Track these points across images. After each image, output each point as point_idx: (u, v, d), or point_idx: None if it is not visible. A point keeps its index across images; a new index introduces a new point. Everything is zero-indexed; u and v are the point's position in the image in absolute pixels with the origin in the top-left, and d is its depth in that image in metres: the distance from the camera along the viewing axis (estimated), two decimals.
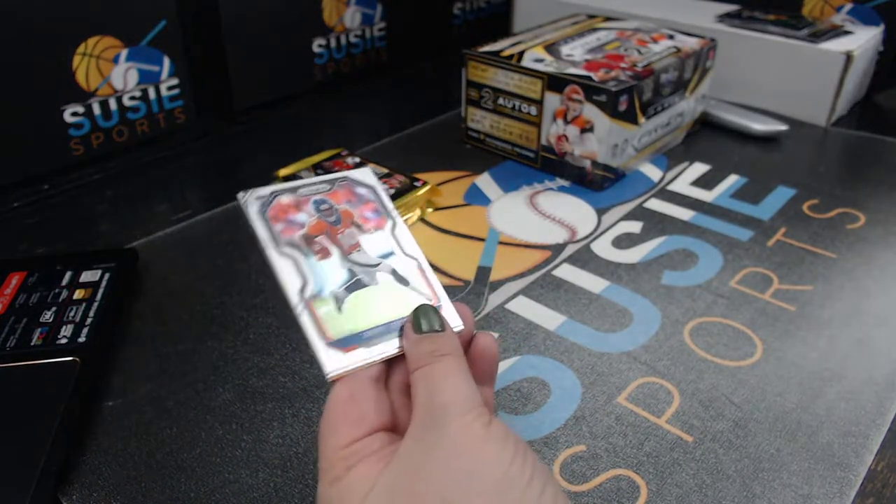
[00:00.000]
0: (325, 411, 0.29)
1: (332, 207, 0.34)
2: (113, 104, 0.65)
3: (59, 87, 0.61)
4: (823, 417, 0.39)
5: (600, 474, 0.36)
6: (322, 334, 0.30)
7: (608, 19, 0.75)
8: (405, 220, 0.57)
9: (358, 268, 0.32)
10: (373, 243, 0.34)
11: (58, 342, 0.41)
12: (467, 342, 0.32)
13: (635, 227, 0.57)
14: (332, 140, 0.66)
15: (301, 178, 0.59)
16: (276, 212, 0.33)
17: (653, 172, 0.66)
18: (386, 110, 0.82)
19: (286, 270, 0.31)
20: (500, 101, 0.65)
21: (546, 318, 0.47)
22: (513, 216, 0.59)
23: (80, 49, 0.61)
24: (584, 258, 0.53)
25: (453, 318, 0.32)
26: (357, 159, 0.62)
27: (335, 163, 0.62)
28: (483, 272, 0.51)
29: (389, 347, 0.30)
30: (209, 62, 0.73)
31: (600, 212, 0.59)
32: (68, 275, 0.47)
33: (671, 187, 0.63)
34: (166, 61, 0.68)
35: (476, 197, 0.62)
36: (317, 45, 0.81)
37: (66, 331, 0.42)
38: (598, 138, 0.60)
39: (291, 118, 0.77)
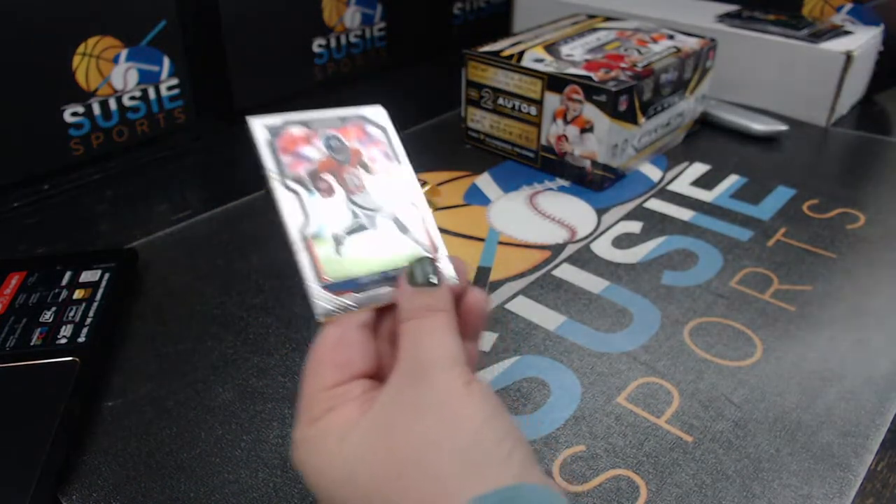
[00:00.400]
0: (311, 352, 0.29)
1: (343, 145, 0.33)
2: (113, 104, 0.65)
3: (59, 87, 0.61)
4: (823, 417, 0.39)
5: (600, 474, 0.36)
6: (318, 275, 0.29)
7: (608, 19, 0.75)
8: None
9: (360, 210, 0.32)
10: (378, 187, 0.33)
11: (57, 342, 0.41)
12: (459, 296, 0.32)
13: (635, 227, 0.57)
14: None
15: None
16: (285, 143, 0.32)
17: (653, 172, 0.66)
18: (386, 110, 0.82)
19: (289, 205, 0.30)
20: (500, 101, 0.65)
21: (546, 318, 0.47)
22: (513, 216, 0.59)
23: (80, 49, 0.61)
24: (584, 258, 0.53)
25: (448, 270, 0.31)
26: None
27: None
28: (483, 272, 0.51)
29: (383, 295, 0.30)
30: (209, 62, 0.73)
31: (600, 212, 0.59)
32: (68, 275, 0.47)
33: (671, 187, 0.63)
34: (166, 61, 0.68)
35: (476, 197, 0.62)
36: (317, 45, 0.81)
37: (66, 331, 0.42)
38: (598, 138, 0.60)
39: None
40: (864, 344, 0.44)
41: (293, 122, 0.32)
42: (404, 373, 0.27)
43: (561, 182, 0.64)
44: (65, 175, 0.64)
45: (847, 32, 0.75)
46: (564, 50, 0.65)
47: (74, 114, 0.63)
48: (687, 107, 0.69)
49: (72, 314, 0.43)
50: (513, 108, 0.65)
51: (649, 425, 0.38)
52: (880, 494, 0.35)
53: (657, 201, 0.61)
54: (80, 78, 0.62)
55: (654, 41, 0.68)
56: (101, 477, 0.36)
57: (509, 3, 0.94)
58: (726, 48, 0.74)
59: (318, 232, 0.30)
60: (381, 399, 0.27)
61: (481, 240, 0.55)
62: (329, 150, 0.32)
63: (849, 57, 0.71)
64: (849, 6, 0.80)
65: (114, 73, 0.64)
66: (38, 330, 0.42)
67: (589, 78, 0.59)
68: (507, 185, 0.63)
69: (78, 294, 0.45)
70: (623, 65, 0.62)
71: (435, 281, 0.30)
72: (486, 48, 0.66)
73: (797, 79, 0.75)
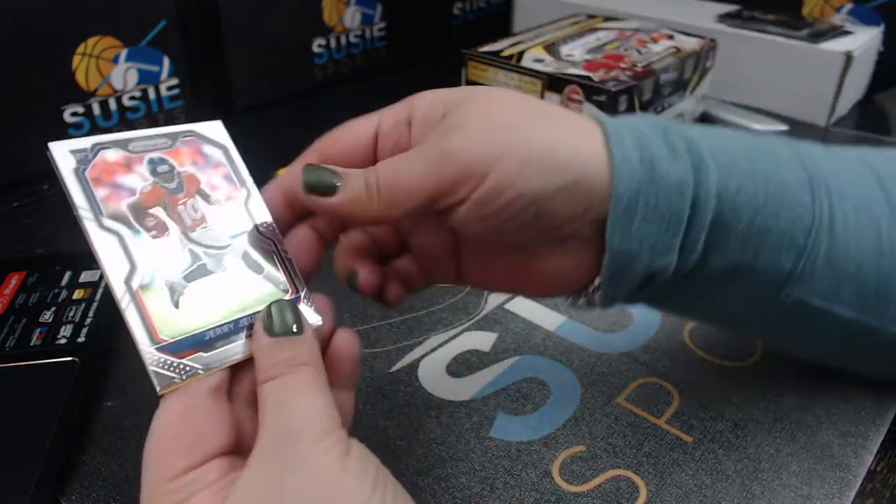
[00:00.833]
0: (150, 432, 0.25)
1: (173, 170, 0.27)
2: (113, 104, 0.65)
3: (59, 87, 0.61)
4: (823, 417, 0.39)
5: (600, 474, 0.36)
6: (152, 336, 0.24)
7: (608, 19, 0.75)
8: None
9: (202, 249, 0.27)
10: (222, 219, 0.28)
11: (57, 342, 0.41)
12: (327, 340, 0.28)
13: None
14: None
15: None
16: (98, 172, 0.26)
17: None
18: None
19: (109, 251, 0.25)
20: None
21: (546, 318, 0.47)
22: None
23: (80, 49, 0.61)
24: None
25: (310, 314, 0.27)
26: None
27: None
28: None
29: (234, 351, 0.26)
30: (209, 62, 0.73)
31: None
32: (68, 275, 0.47)
33: None
34: (166, 61, 0.68)
35: None
36: (317, 45, 0.81)
37: (66, 331, 0.42)
38: None
39: (291, 118, 0.77)
40: None
41: (107, 145, 0.27)
42: (268, 446, 0.24)
43: None
44: None
45: (847, 32, 0.75)
46: (564, 50, 0.65)
47: (74, 114, 0.63)
48: (687, 107, 0.69)
49: (71, 314, 0.43)
50: None
51: (649, 425, 0.38)
52: (880, 494, 0.35)
53: None
54: (80, 78, 0.62)
55: (654, 41, 0.68)
56: (101, 477, 0.36)
57: (509, 3, 0.94)
58: (726, 48, 0.74)
59: (149, 281, 0.25)
60: (241, 482, 0.23)
61: None
62: (156, 178, 0.27)
63: (849, 57, 0.71)
64: (849, 6, 0.80)
65: (114, 73, 0.64)
66: (38, 330, 0.42)
67: (589, 78, 0.59)
68: None
69: (78, 294, 0.45)
70: (623, 65, 0.62)
71: (296, 329, 0.26)
72: (486, 48, 0.66)
73: (797, 79, 0.74)
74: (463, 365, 0.43)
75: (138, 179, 0.27)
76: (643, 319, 0.46)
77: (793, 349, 0.38)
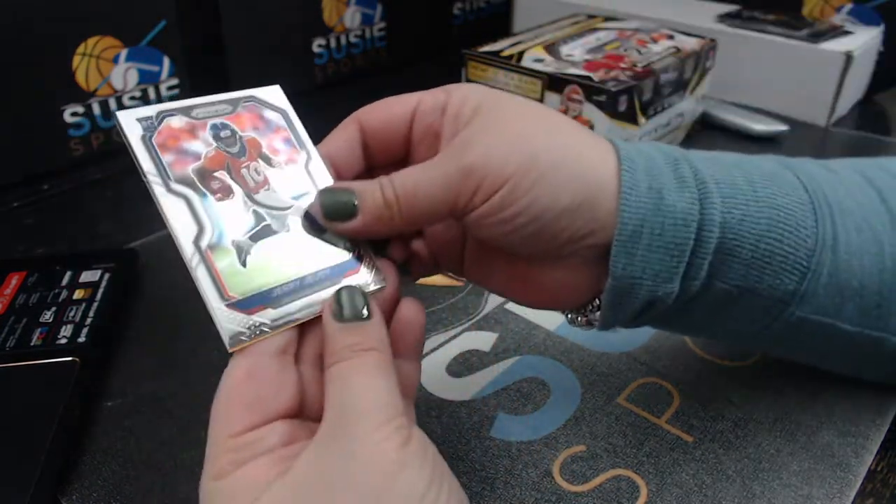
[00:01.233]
0: (217, 390, 0.25)
1: (235, 135, 0.28)
2: (113, 104, 0.65)
3: (59, 87, 0.61)
4: (823, 417, 0.39)
5: (600, 474, 0.36)
6: (222, 293, 0.25)
7: (608, 19, 0.75)
8: None
9: (265, 210, 0.27)
10: (284, 181, 0.28)
11: (58, 342, 0.41)
12: (391, 306, 0.29)
13: None
14: None
15: None
16: (164, 138, 0.27)
17: None
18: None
19: (178, 213, 0.25)
20: None
21: (546, 318, 0.47)
22: None
23: (80, 49, 0.61)
24: None
25: (374, 277, 0.28)
26: None
27: None
28: None
29: (302, 309, 0.26)
30: (209, 62, 0.73)
31: None
32: (68, 275, 0.47)
33: None
34: (166, 61, 0.68)
35: None
36: (317, 45, 0.81)
37: (66, 331, 0.42)
38: None
39: None
40: None
41: (172, 112, 0.27)
42: (329, 430, 0.24)
43: None
44: (65, 175, 0.64)
45: (847, 32, 0.75)
46: (564, 50, 0.65)
47: (74, 114, 0.63)
48: (687, 107, 0.69)
49: (72, 314, 0.43)
50: None
51: (649, 425, 0.38)
52: (880, 494, 0.35)
53: None
54: (80, 78, 0.62)
55: (654, 41, 0.68)
56: (101, 477, 0.36)
57: (509, 3, 0.94)
58: (726, 48, 0.74)
59: (217, 241, 0.26)
60: (301, 462, 0.23)
61: None
62: (219, 143, 0.28)
63: (849, 57, 0.71)
64: (849, 6, 0.80)
65: (114, 73, 0.64)
66: (38, 330, 0.42)
67: (589, 78, 0.59)
68: None
69: (78, 294, 0.45)
70: (623, 65, 0.62)
71: (365, 314, 0.26)
72: (486, 48, 0.66)
73: (797, 79, 0.75)
74: (463, 365, 0.43)
75: (202, 144, 0.27)
76: None
77: (796, 358, 0.39)
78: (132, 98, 0.66)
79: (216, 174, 0.27)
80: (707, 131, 0.74)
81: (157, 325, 0.46)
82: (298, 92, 0.84)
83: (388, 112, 0.31)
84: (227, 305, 0.25)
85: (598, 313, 0.31)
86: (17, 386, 0.39)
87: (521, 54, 0.64)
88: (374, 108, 0.31)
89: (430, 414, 0.39)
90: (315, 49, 0.81)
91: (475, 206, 0.28)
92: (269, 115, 0.30)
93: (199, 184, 0.26)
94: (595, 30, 0.71)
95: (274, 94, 0.30)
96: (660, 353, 0.43)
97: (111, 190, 0.63)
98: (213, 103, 0.28)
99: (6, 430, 0.36)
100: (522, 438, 0.38)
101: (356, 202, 0.28)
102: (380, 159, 0.32)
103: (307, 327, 0.27)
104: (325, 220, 0.28)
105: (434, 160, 0.28)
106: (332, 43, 0.82)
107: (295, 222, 0.28)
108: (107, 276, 0.47)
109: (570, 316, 0.33)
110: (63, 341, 0.41)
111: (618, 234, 0.28)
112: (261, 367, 0.25)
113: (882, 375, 0.38)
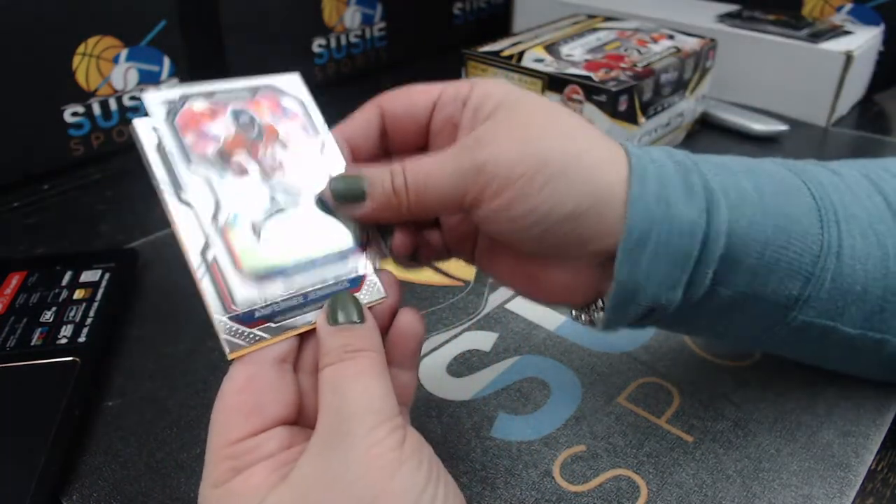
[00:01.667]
0: (217, 398, 0.25)
1: (254, 120, 0.29)
2: (113, 104, 0.65)
3: (59, 87, 0.61)
4: (823, 417, 0.39)
5: (600, 474, 0.36)
6: (225, 306, 0.26)
7: (608, 19, 0.75)
8: None
9: (280, 192, 0.28)
10: (299, 166, 0.29)
11: (58, 342, 0.41)
12: (390, 316, 0.29)
13: None
14: None
15: None
16: (186, 120, 0.27)
17: None
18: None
19: (186, 223, 0.26)
20: None
21: (546, 318, 0.47)
22: None
23: (80, 49, 0.61)
24: None
25: (375, 289, 0.28)
26: None
27: None
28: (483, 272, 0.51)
29: (301, 321, 0.27)
30: (209, 62, 0.73)
31: None
32: (68, 275, 0.47)
33: None
34: (166, 61, 0.68)
35: None
36: (317, 45, 0.81)
37: (66, 331, 0.42)
38: None
39: None
40: None
41: (194, 95, 0.28)
42: (324, 433, 0.24)
43: None
44: (65, 175, 0.64)
45: (847, 32, 0.75)
46: (564, 50, 0.65)
47: (74, 114, 0.63)
48: (687, 107, 0.69)
49: (72, 314, 0.43)
50: None
51: (649, 425, 0.38)
52: (880, 494, 0.35)
53: None
54: (80, 78, 0.62)
55: (654, 41, 0.68)
56: (101, 477, 0.36)
57: (509, 3, 0.94)
58: (726, 48, 0.74)
59: (233, 219, 0.27)
60: (299, 467, 0.24)
61: None
62: (238, 127, 0.28)
63: (849, 57, 0.71)
64: (849, 6, 0.80)
65: (114, 73, 0.64)
66: (39, 330, 0.42)
67: (589, 78, 0.59)
68: None
69: (78, 294, 0.45)
70: (623, 65, 0.62)
71: (357, 319, 0.27)
72: (486, 48, 0.66)
73: (797, 79, 0.75)
74: (463, 365, 0.43)
75: (222, 127, 0.28)
76: None
77: (798, 359, 0.39)
78: (132, 98, 0.66)
79: (234, 157, 0.28)
80: (707, 131, 0.73)
81: (157, 325, 0.46)
82: None
83: (410, 100, 0.31)
84: (230, 318, 0.26)
85: (601, 314, 0.31)
86: (17, 386, 0.39)
87: (521, 54, 0.64)
88: (396, 95, 0.32)
89: (430, 414, 0.39)
90: (315, 49, 0.81)
91: (483, 203, 0.28)
92: (287, 102, 0.30)
93: (219, 163, 0.27)
94: (595, 30, 0.71)
95: (292, 81, 0.31)
96: (660, 353, 0.43)
97: (111, 190, 0.63)
98: (232, 90, 0.29)
99: (6, 430, 0.36)
100: (522, 438, 0.38)
101: (366, 188, 0.28)
102: (398, 145, 0.32)
103: (306, 339, 0.28)
104: (335, 202, 0.29)
105: (447, 152, 0.29)
106: (332, 43, 0.82)
107: (308, 206, 0.29)
108: (107, 275, 0.47)
109: (574, 313, 0.34)
110: (63, 341, 0.41)
111: (623, 241, 0.28)
112: (260, 375, 0.25)
113: (883, 375, 0.38)
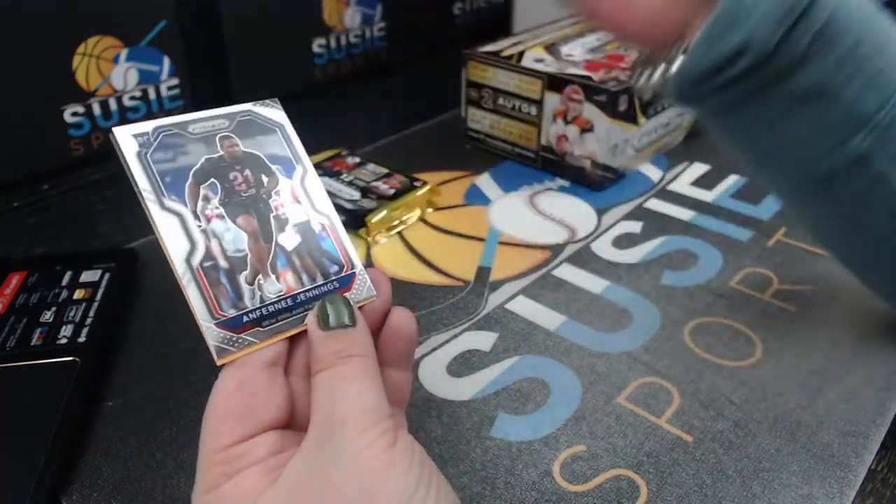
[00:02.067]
0: (208, 403, 0.25)
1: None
2: (113, 104, 0.65)
3: (59, 87, 0.61)
4: (823, 417, 0.39)
5: (600, 474, 0.36)
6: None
7: None
8: (405, 221, 0.57)
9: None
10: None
11: (58, 342, 0.41)
12: (382, 316, 0.29)
13: (635, 227, 0.57)
14: (332, 140, 0.66)
15: None
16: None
17: (653, 172, 0.66)
18: (386, 110, 0.82)
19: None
20: (500, 101, 0.65)
21: (546, 318, 0.47)
22: (513, 216, 0.59)
23: (80, 49, 0.61)
24: (584, 258, 0.53)
25: (365, 288, 0.28)
26: (357, 159, 0.62)
27: (335, 163, 0.62)
28: (483, 272, 0.51)
29: (290, 325, 0.26)
30: (209, 62, 0.73)
31: (600, 212, 0.59)
32: (68, 275, 0.47)
33: (671, 187, 0.63)
34: (166, 61, 0.68)
35: (476, 197, 0.62)
36: (317, 45, 0.81)
37: (66, 331, 0.42)
38: (598, 138, 0.60)
39: (291, 118, 0.77)
40: (864, 344, 0.44)
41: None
42: (316, 436, 0.24)
43: (561, 182, 0.64)
44: (65, 175, 0.64)
45: None
46: (564, 50, 0.65)
47: (74, 114, 0.63)
48: None
49: (72, 314, 0.43)
50: (513, 108, 0.65)
51: (649, 425, 0.38)
52: (880, 494, 0.35)
53: (657, 201, 0.61)
54: (80, 78, 0.62)
55: None
56: (101, 477, 0.36)
57: (509, 3, 0.94)
58: None
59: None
60: (290, 469, 0.24)
61: (481, 240, 0.55)
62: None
63: None
64: None
65: (114, 73, 0.64)
66: (39, 330, 0.42)
67: (589, 78, 0.59)
68: (508, 185, 0.63)
69: (78, 294, 0.45)
70: (623, 65, 0.62)
71: (349, 322, 0.26)
72: (486, 48, 0.66)
73: None
74: (463, 365, 0.43)
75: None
76: (643, 319, 0.46)
77: (828, 229, 0.38)
78: (132, 98, 0.66)
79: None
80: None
81: (157, 325, 0.46)
82: (298, 92, 0.84)
83: None
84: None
85: (681, 58, 0.31)
86: (17, 386, 0.39)
87: (521, 54, 0.64)
88: None
89: (430, 414, 0.39)
90: (315, 49, 0.81)
91: None
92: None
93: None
94: (595, 30, 0.71)
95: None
96: (660, 353, 0.43)
97: (111, 190, 0.63)
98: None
99: (6, 430, 0.36)
100: (522, 438, 0.38)
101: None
102: None
103: (296, 340, 0.27)
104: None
105: None
106: (332, 43, 0.82)
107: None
108: (107, 276, 0.47)
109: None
110: (63, 341, 0.41)
111: None
112: (250, 379, 0.25)
113: None
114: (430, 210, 0.59)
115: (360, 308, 0.28)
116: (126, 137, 0.27)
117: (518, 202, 0.61)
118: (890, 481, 0.36)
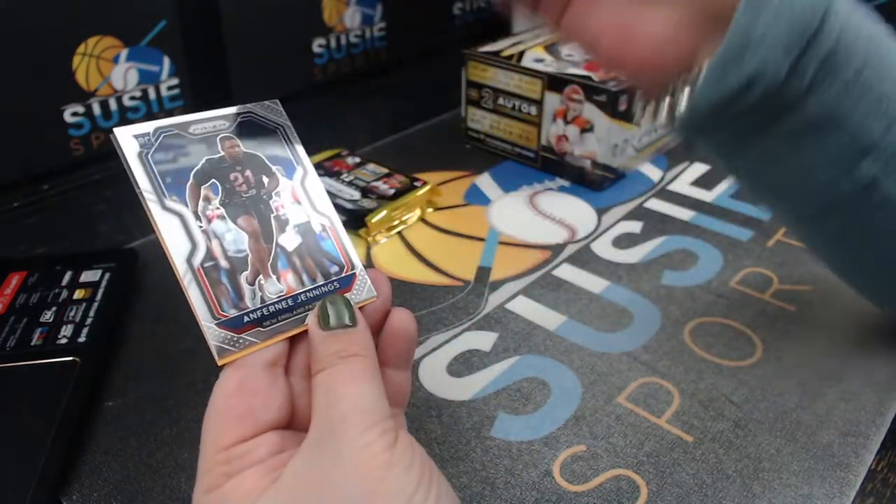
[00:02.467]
0: (208, 404, 0.25)
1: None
2: (113, 104, 0.65)
3: (59, 87, 0.61)
4: (823, 417, 0.39)
5: (600, 474, 0.36)
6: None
7: None
8: (405, 221, 0.57)
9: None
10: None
11: (58, 342, 0.41)
12: (383, 317, 0.29)
13: (635, 227, 0.57)
14: (332, 140, 0.66)
15: None
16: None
17: (653, 172, 0.66)
18: (386, 110, 0.82)
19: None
20: (500, 101, 0.65)
21: (546, 318, 0.47)
22: (513, 216, 0.59)
23: (80, 49, 0.61)
24: (584, 258, 0.53)
25: (365, 288, 0.28)
26: (357, 159, 0.62)
27: (335, 163, 0.62)
28: (483, 272, 0.51)
29: (290, 325, 0.26)
30: (209, 62, 0.73)
31: (600, 212, 0.59)
32: (68, 275, 0.47)
33: (671, 187, 0.63)
34: (166, 61, 0.68)
35: (476, 197, 0.62)
36: (317, 45, 0.81)
37: (66, 331, 0.42)
38: (598, 138, 0.60)
39: (291, 118, 0.77)
40: (864, 344, 0.44)
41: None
42: (316, 436, 0.24)
43: (561, 182, 0.64)
44: (65, 175, 0.64)
45: None
46: (564, 50, 0.65)
47: (74, 114, 0.63)
48: None
49: (72, 314, 0.43)
50: (513, 108, 0.65)
51: (650, 425, 0.38)
52: (880, 494, 0.35)
53: (657, 201, 0.61)
54: (80, 78, 0.62)
55: None
56: (101, 477, 0.36)
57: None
58: None
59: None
60: (290, 469, 0.24)
61: (481, 240, 0.55)
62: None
63: None
64: None
65: (114, 73, 0.64)
66: (39, 330, 0.42)
67: (589, 78, 0.59)
68: (508, 185, 0.63)
69: (78, 294, 0.45)
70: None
71: (349, 322, 0.26)
72: (486, 48, 0.66)
73: None
74: (464, 365, 0.43)
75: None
76: (643, 319, 0.46)
77: (831, 251, 0.37)
78: (132, 98, 0.66)
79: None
80: None
81: (157, 325, 0.46)
82: (298, 92, 0.84)
83: None
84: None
85: (688, 91, 0.30)
86: (17, 386, 0.39)
87: (521, 54, 0.64)
88: None
89: (430, 414, 0.39)
90: (315, 49, 0.81)
91: None
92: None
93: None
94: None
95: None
96: (660, 353, 0.43)
97: (111, 190, 0.63)
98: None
99: (6, 430, 0.36)
100: (522, 438, 0.38)
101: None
102: None
103: (297, 340, 0.27)
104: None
105: None
106: (332, 43, 0.82)
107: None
108: (107, 275, 0.47)
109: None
110: (63, 341, 0.41)
111: None
112: (251, 380, 0.25)
113: None
114: (430, 210, 0.59)
115: (360, 308, 0.28)
116: (127, 138, 0.27)
117: (518, 202, 0.61)
118: (890, 481, 0.36)
